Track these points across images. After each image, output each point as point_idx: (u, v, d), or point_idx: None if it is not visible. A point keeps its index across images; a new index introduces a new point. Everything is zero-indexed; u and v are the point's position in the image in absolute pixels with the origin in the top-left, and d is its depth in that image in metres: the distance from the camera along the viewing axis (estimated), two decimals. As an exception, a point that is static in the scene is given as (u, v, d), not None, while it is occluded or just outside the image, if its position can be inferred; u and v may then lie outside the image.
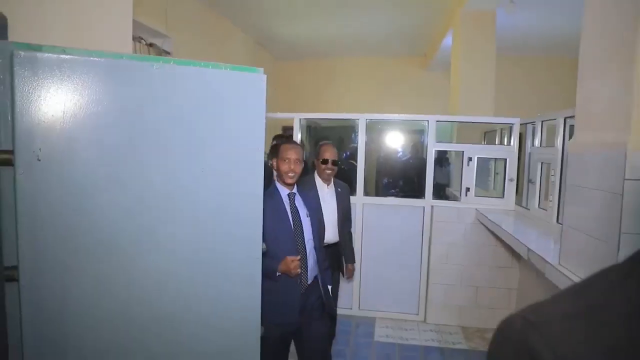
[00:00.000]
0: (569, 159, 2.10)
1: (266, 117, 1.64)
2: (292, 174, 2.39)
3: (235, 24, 6.92)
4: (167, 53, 5.06)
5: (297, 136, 4.27)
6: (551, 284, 2.20)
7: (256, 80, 1.65)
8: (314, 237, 2.49)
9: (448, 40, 6.52)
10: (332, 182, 3.30)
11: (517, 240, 2.74)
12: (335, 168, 3.21)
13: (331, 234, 3.20)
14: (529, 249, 2.50)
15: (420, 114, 4.45)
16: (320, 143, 3.35)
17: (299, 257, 2.34)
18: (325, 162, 3.18)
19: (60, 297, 1.44)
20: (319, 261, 2.52)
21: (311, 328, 2.46)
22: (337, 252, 3.32)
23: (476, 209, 3.99)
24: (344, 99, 8.94)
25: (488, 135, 5.68)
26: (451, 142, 5.14)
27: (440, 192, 4.99)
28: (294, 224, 2.41)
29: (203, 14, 5.96)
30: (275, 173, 2.52)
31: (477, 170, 4.63)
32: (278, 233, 2.32)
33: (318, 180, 3.25)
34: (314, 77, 9.27)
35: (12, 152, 1.35)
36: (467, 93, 5.55)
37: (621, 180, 1.60)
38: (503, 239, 3.32)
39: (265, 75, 1.65)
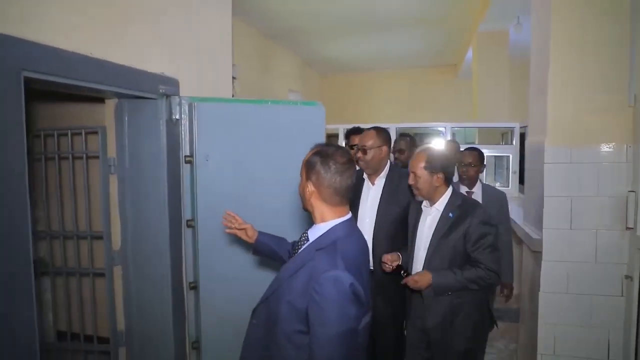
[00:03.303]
0: (526, 153, 3.11)
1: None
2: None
3: (286, 47, 8.17)
4: (234, 78, 6.33)
5: (342, 144, 5.38)
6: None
7: (318, 111, 2.78)
8: None
9: (470, 53, 7.48)
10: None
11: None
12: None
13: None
14: (510, 218, 3.50)
15: (451, 119, 5.42)
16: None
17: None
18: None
19: (219, 235, 2.61)
20: None
21: None
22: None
23: (486, 196, 4.95)
24: (383, 108, 10.01)
25: (505, 136, 6.59)
26: (473, 143, 6.11)
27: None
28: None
29: (260, 43, 7.23)
30: None
31: (496, 166, 5.62)
32: None
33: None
34: (355, 90, 10.41)
35: (192, 156, 2.54)
36: (484, 101, 6.51)
37: (542, 164, 2.61)
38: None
39: (324, 108, 2.78)
